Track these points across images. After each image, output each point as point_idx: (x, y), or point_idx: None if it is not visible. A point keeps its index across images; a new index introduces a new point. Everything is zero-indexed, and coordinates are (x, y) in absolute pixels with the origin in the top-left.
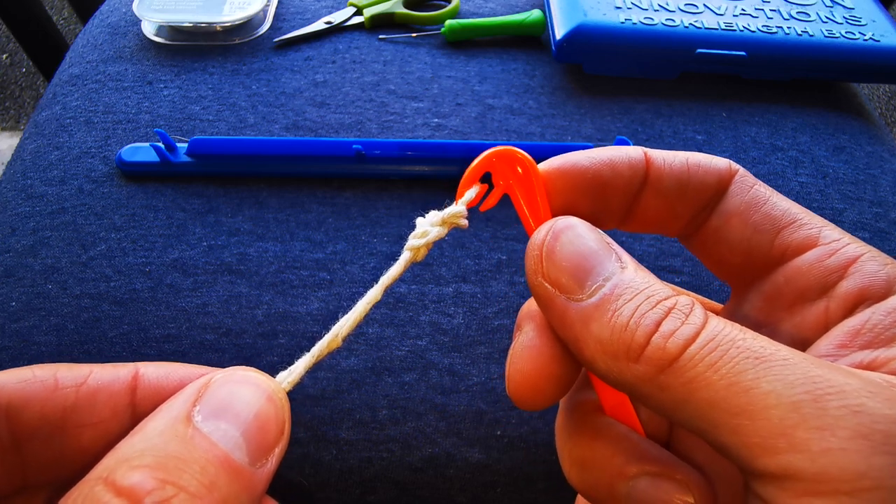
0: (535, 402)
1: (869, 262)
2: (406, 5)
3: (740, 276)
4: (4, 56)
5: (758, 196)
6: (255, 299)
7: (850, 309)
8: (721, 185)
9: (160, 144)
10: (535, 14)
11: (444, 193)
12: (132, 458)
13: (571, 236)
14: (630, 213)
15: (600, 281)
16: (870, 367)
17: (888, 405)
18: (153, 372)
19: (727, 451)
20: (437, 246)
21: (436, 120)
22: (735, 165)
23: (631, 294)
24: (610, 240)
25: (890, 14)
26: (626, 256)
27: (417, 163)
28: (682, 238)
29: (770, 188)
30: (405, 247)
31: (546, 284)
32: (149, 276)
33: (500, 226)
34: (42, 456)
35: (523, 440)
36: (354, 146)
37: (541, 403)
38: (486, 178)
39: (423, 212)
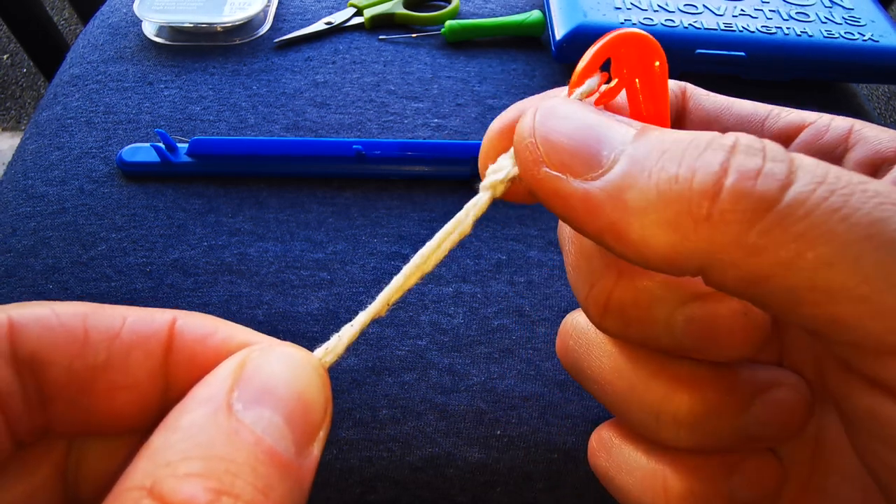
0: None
1: (864, 129)
2: (406, 6)
3: None
4: (5, 56)
5: (720, 102)
6: (256, 299)
7: (872, 174)
8: (678, 102)
9: (161, 145)
10: (535, 14)
11: (444, 193)
12: (177, 464)
13: (565, 112)
14: None
15: (619, 147)
16: None
17: None
18: (191, 328)
19: (842, 328)
20: None
21: (436, 120)
22: (682, 83)
23: (667, 145)
24: (610, 113)
25: (889, 14)
26: (637, 122)
27: (417, 163)
28: None
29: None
30: (482, 186)
31: (552, 172)
32: (149, 276)
33: (500, 226)
34: (68, 413)
35: (523, 440)
36: (354, 146)
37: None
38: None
39: (423, 212)
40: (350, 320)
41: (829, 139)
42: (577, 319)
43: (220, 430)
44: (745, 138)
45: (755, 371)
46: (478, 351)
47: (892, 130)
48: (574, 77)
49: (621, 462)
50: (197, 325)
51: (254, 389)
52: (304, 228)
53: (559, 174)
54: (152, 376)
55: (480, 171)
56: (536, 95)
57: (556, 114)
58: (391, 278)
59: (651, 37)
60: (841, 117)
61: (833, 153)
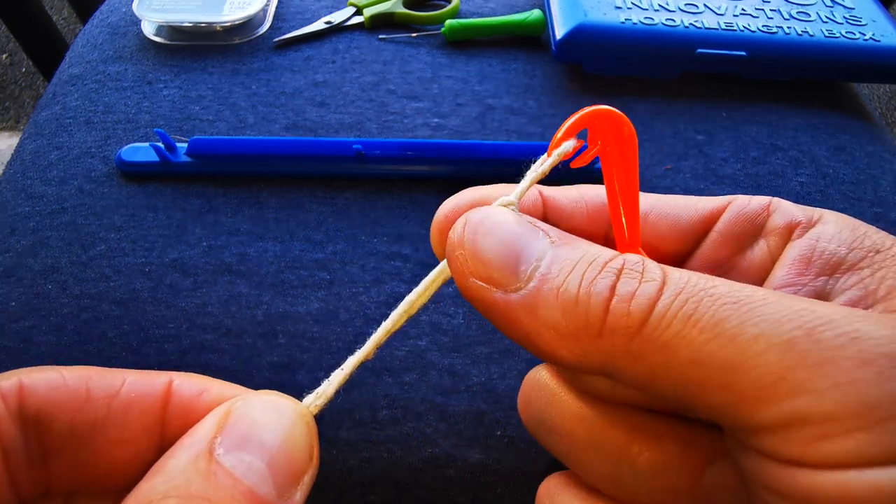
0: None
1: (781, 203)
2: (406, 5)
3: (676, 256)
4: (4, 56)
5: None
6: (255, 299)
7: (787, 238)
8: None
9: (160, 144)
10: (535, 14)
11: (444, 193)
12: (157, 501)
13: (490, 225)
14: None
15: (534, 263)
16: (829, 296)
17: (883, 326)
18: (187, 388)
19: (720, 412)
20: None
21: (436, 120)
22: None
23: (570, 264)
24: (531, 219)
25: (890, 14)
26: (554, 231)
27: (417, 163)
28: None
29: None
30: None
31: (479, 283)
32: (149, 276)
33: None
34: (68, 467)
35: (523, 440)
36: (354, 146)
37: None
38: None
39: (423, 212)
40: (350, 320)
41: (752, 208)
42: (540, 374)
43: (198, 473)
44: (630, 261)
45: (719, 433)
46: (478, 351)
47: (804, 207)
48: (553, 141)
49: None
50: (192, 384)
51: (236, 436)
52: (303, 228)
53: (484, 285)
54: (149, 432)
55: (437, 255)
56: (473, 191)
57: (482, 228)
58: (391, 278)
59: (621, 114)
60: (759, 196)
61: (757, 219)
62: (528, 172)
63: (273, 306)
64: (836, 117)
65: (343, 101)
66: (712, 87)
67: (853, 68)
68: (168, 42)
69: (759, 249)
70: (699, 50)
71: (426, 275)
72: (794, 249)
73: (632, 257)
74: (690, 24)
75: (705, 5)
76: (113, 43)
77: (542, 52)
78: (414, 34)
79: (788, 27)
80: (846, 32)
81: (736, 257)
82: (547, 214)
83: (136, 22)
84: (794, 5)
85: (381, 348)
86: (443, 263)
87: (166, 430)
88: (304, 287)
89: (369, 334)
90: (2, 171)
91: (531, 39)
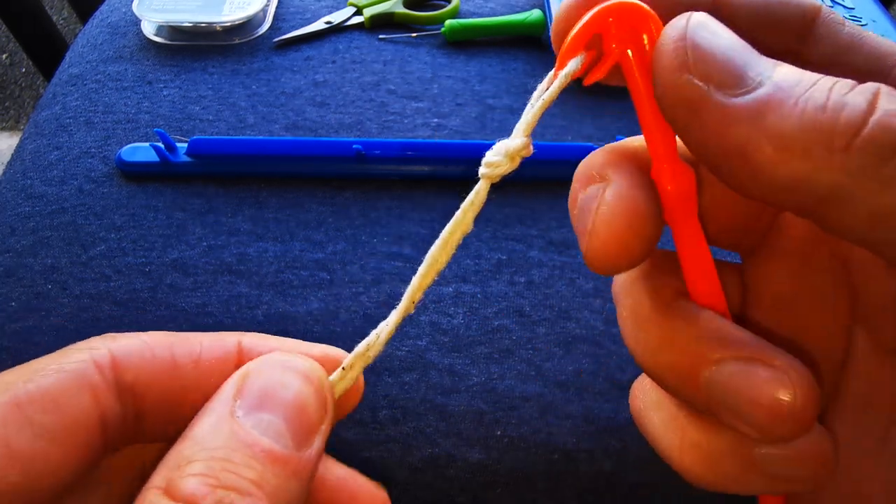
0: (619, 264)
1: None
2: (406, 5)
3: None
4: (4, 56)
5: (854, 34)
6: (255, 299)
7: None
8: (805, 24)
9: (160, 144)
10: (535, 14)
11: (443, 193)
12: (185, 467)
13: (716, 28)
14: None
15: (763, 74)
16: None
17: None
18: (256, 347)
19: None
20: None
21: (436, 120)
22: (816, 2)
23: (811, 78)
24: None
25: (890, 14)
26: (772, 60)
27: (417, 163)
28: None
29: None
30: (481, 174)
31: (695, 81)
32: (149, 276)
33: (500, 226)
34: (157, 434)
35: (523, 440)
36: (354, 146)
37: (624, 265)
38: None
39: (423, 212)
40: (350, 320)
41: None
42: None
43: (221, 435)
44: (885, 87)
45: None
46: (478, 351)
47: None
48: (558, 59)
49: (650, 402)
50: (259, 344)
51: (254, 397)
52: (303, 228)
53: (701, 83)
54: None
55: (555, 45)
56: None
57: (707, 27)
58: (391, 278)
59: (641, 5)
60: None
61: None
62: (533, 100)
63: (273, 306)
64: None
65: (343, 101)
66: None
67: None
68: (168, 42)
69: None
70: None
71: None
72: None
73: (885, 87)
74: None
75: None
76: (113, 43)
77: (542, 53)
78: (414, 34)
79: None
80: None
81: None
82: (814, 39)
83: (136, 22)
84: None
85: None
86: (467, 200)
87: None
88: (304, 287)
89: (368, 333)
90: (2, 171)
91: (531, 39)
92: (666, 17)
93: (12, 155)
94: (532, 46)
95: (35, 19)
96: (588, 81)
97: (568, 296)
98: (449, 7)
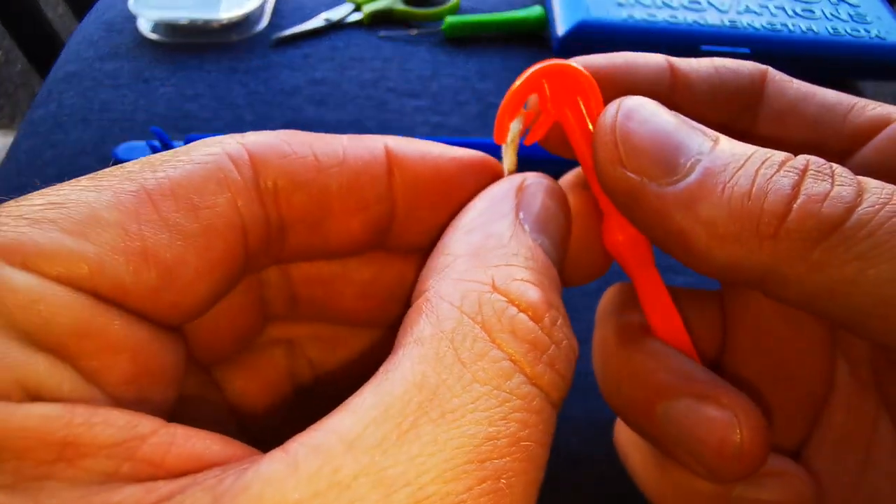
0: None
1: None
2: (405, 2)
3: None
4: None
5: (802, 90)
6: None
7: None
8: (755, 87)
9: (156, 143)
10: (536, 10)
11: None
12: (506, 269)
13: (646, 113)
14: None
15: (694, 157)
16: None
17: None
18: (406, 151)
19: None
20: None
21: (436, 118)
22: (762, 66)
23: (740, 159)
24: (686, 118)
25: (895, 12)
26: (710, 131)
27: None
28: None
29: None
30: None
31: (629, 174)
32: None
33: None
34: (303, 241)
35: None
36: None
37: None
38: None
39: None
40: None
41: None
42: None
43: (527, 246)
44: (814, 162)
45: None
46: None
47: None
48: (497, 119)
49: (630, 439)
50: (409, 148)
51: (535, 217)
52: None
53: (635, 176)
54: (380, 199)
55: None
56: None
57: (637, 115)
58: None
59: (574, 67)
60: None
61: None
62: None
63: None
64: None
65: (342, 99)
66: None
67: (858, 66)
68: (164, 39)
69: None
70: (703, 47)
71: None
72: None
73: (816, 158)
74: (694, 21)
75: (709, 2)
76: (109, 40)
77: (543, 50)
78: (413, 31)
79: (793, 24)
80: (851, 30)
81: None
82: (764, 98)
83: (133, 19)
84: (799, 3)
85: None
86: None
87: (396, 194)
88: None
89: None
90: None
91: (532, 36)
92: (623, 87)
93: (7, 153)
94: (533, 43)
95: (30, 16)
96: (528, 142)
97: (567, 295)
98: (449, 4)
